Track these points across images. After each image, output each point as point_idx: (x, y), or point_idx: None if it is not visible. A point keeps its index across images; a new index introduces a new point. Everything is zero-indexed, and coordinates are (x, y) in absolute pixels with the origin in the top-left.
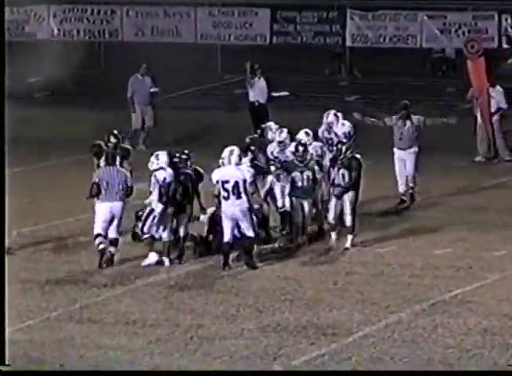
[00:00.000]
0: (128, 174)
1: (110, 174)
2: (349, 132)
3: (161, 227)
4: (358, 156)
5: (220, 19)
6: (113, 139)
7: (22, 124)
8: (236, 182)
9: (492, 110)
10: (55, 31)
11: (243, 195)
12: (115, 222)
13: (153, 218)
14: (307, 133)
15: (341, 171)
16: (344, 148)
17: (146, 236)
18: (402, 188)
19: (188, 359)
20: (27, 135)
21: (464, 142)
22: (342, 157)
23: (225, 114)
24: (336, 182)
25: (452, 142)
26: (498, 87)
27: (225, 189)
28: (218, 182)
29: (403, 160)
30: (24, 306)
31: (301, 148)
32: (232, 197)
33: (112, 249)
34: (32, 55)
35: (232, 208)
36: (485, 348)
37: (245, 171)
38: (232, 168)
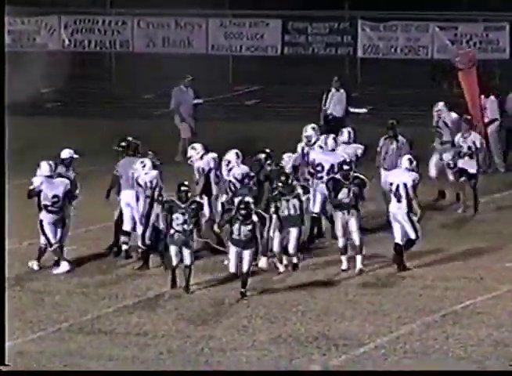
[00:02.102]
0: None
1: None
2: (360, 154)
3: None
4: (361, 175)
5: (231, 30)
6: (123, 144)
7: (33, 134)
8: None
9: (486, 120)
10: (67, 42)
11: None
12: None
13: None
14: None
15: (344, 190)
16: (352, 172)
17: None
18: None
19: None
20: (39, 145)
21: None
22: (349, 178)
23: (228, 125)
24: (341, 200)
25: None
26: (492, 97)
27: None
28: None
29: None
30: (36, 317)
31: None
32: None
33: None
34: (44, 65)
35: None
36: (497, 359)
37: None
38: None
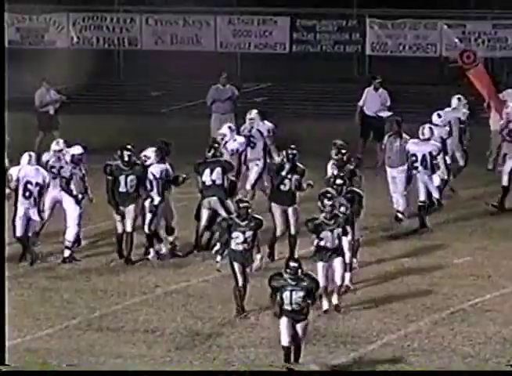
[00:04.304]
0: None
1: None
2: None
3: None
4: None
5: (240, 27)
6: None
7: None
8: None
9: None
10: (75, 39)
11: None
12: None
13: None
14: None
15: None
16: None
17: None
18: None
19: (207, 369)
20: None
21: (482, 150)
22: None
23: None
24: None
25: (468, 150)
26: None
27: None
28: None
29: (394, 178)
30: (44, 314)
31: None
32: None
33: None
34: (52, 62)
35: None
36: (505, 357)
37: None
38: None
